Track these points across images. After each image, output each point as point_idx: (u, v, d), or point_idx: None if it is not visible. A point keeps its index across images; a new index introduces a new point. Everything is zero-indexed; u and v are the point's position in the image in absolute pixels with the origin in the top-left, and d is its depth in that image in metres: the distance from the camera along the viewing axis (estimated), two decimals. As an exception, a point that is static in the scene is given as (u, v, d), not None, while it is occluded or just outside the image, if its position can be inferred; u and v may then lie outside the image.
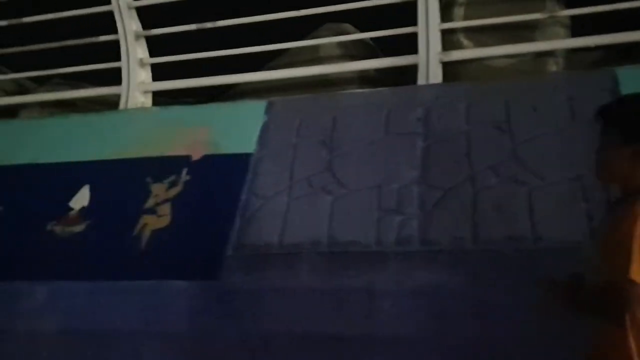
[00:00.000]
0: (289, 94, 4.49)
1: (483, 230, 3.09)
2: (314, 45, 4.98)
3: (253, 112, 4.04)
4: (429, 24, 4.09)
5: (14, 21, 5.21)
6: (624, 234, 1.84)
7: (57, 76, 5.87)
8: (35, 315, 3.51)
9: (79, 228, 3.81)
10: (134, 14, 4.80)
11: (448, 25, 4.18)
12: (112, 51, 5.22)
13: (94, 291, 3.52)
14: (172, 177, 3.85)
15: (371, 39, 4.87)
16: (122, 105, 4.73)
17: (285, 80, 4.80)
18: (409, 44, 4.72)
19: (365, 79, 4.97)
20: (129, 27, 4.75)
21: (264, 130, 3.92)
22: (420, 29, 4.13)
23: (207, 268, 3.39)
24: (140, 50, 4.83)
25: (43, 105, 5.83)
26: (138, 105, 4.73)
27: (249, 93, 4.95)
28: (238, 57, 4.87)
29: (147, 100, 4.83)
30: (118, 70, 4.97)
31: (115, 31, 4.92)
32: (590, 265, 1.97)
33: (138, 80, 4.76)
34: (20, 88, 6.37)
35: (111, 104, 5.83)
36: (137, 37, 4.79)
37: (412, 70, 4.62)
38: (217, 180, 3.78)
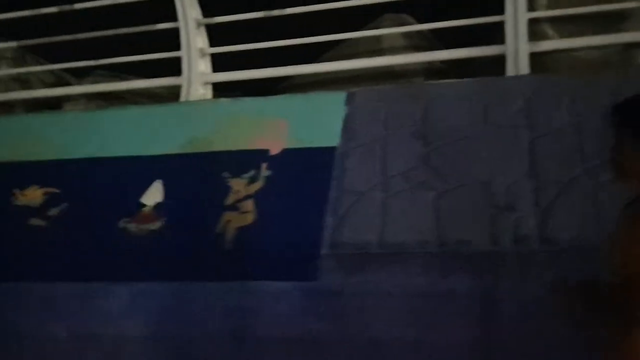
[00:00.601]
0: (349, 87, 4.25)
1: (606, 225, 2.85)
2: (376, 36, 4.75)
3: (332, 104, 3.79)
4: (518, 13, 3.86)
5: (66, 7, 4.93)
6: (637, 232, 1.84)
7: (100, 68, 5.63)
8: (117, 318, 3.27)
9: (155, 226, 3.56)
10: (195, 1, 4.54)
11: (536, 14, 3.96)
12: (157, 42, 4.98)
13: (177, 293, 3.28)
14: (252, 172, 3.61)
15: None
16: (183, 97, 4.48)
17: (345, 73, 4.57)
18: (467, 36, 4.52)
19: (431, 70, 4.75)
20: (190, 14, 4.50)
21: (347, 122, 3.67)
22: (508, 17, 3.89)
23: (302, 268, 3.16)
24: (200, 40, 4.57)
25: (89, 98, 5.59)
26: (199, 98, 4.48)
27: (302, 87, 4.72)
28: (288, 49, 4.64)
29: (208, 92, 4.58)
30: (163, 62, 4.74)
31: (170, 19, 4.66)
32: (609, 264, 1.94)
33: (198, 71, 4.51)
34: (59, 80, 6.12)
35: (161, 97, 5.62)
36: (198, 25, 4.53)
37: (479, 61, 4.41)
38: (301, 176, 3.54)
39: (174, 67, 4.76)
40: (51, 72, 6.04)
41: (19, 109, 5.93)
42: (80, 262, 3.53)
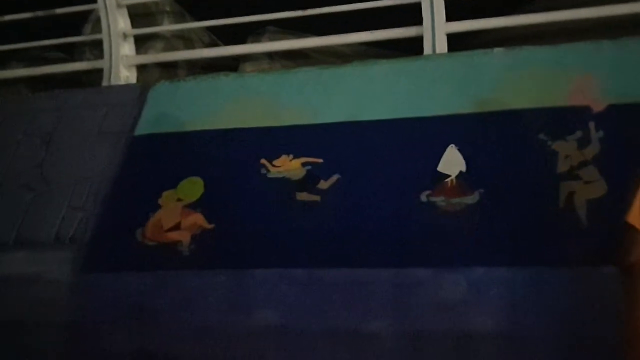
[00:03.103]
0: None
1: None
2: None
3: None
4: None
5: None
6: None
7: (271, 23, 4.90)
8: (461, 311, 2.61)
9: (471, 199, 2.88)
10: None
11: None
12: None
13: (525, 280, 2.61)
14: (578, 134, 2.91)
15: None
16: (427, 51, 3.76)
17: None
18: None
19: None
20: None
21: (681, 72, 2.96)
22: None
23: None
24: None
25: (272, 56, 4.88)
26: (438, 51, 3.77)
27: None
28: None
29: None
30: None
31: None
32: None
33: (440, 21, 3.77)
34: (214, 41, 5.42)
35: (338, 54, 4.91)
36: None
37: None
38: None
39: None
40: (203, 30, 5.34)
41: (182, 71, 5.24)
42: (383, 242, 2.87)
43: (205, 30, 5.43)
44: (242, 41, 4.90)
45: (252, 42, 4.95)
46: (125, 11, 4.64)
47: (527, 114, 3.05)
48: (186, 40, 5.32)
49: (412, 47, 4.02)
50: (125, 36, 4.68)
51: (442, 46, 3.72)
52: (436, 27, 3.70)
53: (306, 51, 4.90)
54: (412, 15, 3.88)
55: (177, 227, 3.28)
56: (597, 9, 3.61)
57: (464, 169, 2.99)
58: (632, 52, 3.12)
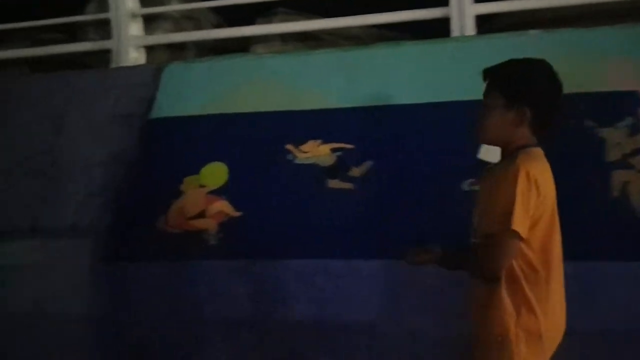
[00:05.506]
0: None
1: None
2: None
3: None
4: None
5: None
6: (507, 187, 1.80)
7: (279, 4, 4.61)
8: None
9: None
10: None
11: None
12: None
13: (589, 275, 2.39)
14: (628, 120, 2.69)
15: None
16: (455, 32, 3.50)
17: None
18: None
19: None
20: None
21: None
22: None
23: None
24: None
25: (284, 38, 4.58)
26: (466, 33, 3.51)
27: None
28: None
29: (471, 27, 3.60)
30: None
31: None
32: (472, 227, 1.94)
33: (468, 1, 3.51)
34: (219, 23, 5.10)
35: (351, 37, 4.63)
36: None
37: None
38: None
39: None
40: (213, 13, 5.04)
41: (191, 52, 4.92)
42: (428, 234, 2.62)
43: (212, 11, 5.12)
44: (248, 23, 4.59)
45: (263, 23, 4.68)
46: (134, -10, 4.31)
47: (567, 99, 2.81)
48: (195, 21, 5.01)
49: (427, 31, 3.77)
50: (134, 16, 4.35)
51: (469, 28, 3.47)
52: (465, 8, 3.45)
53: (317, 33, 4.63)
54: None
55: (201, 214, 3.00)
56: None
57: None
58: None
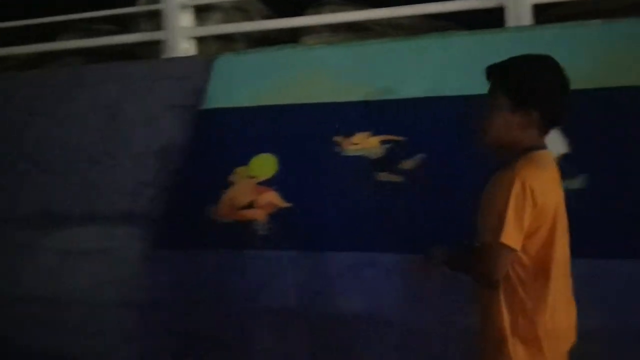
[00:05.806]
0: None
1: None
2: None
3: None
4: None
5: None
6: (501, 196, 1.75)
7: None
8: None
9: (574, 184, 2.56)
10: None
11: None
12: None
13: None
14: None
15: None
16: (510, 22, 3.40)
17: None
18: None
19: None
20: None
21: None
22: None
23: None
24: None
25: (334, 28, 4.54)
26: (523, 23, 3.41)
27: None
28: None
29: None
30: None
31: None
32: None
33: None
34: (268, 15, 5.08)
35: (403, 27, 4.55)
36: None
37: None
38: None
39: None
40: (262, 4, 5.02)
41: (239, 44, 4.93)
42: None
43: (261, 2, 5.12)
44: (295, 14, 4.56)
45: (313, 14, 4.64)
46: (184, -19, 4.34)
47: (632, 93, 2.71)
48: (244, 12, 5.01)
49: (481, 21, 3.67)
50: (184, 7, 4.38)
51: (526, 18, 3.37)
52: (521, -2, 3.35)
53: (367, 24, 4.57)
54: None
55: (250, 205, 3.01)
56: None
57: (564, 150, 2.67)
58: None
